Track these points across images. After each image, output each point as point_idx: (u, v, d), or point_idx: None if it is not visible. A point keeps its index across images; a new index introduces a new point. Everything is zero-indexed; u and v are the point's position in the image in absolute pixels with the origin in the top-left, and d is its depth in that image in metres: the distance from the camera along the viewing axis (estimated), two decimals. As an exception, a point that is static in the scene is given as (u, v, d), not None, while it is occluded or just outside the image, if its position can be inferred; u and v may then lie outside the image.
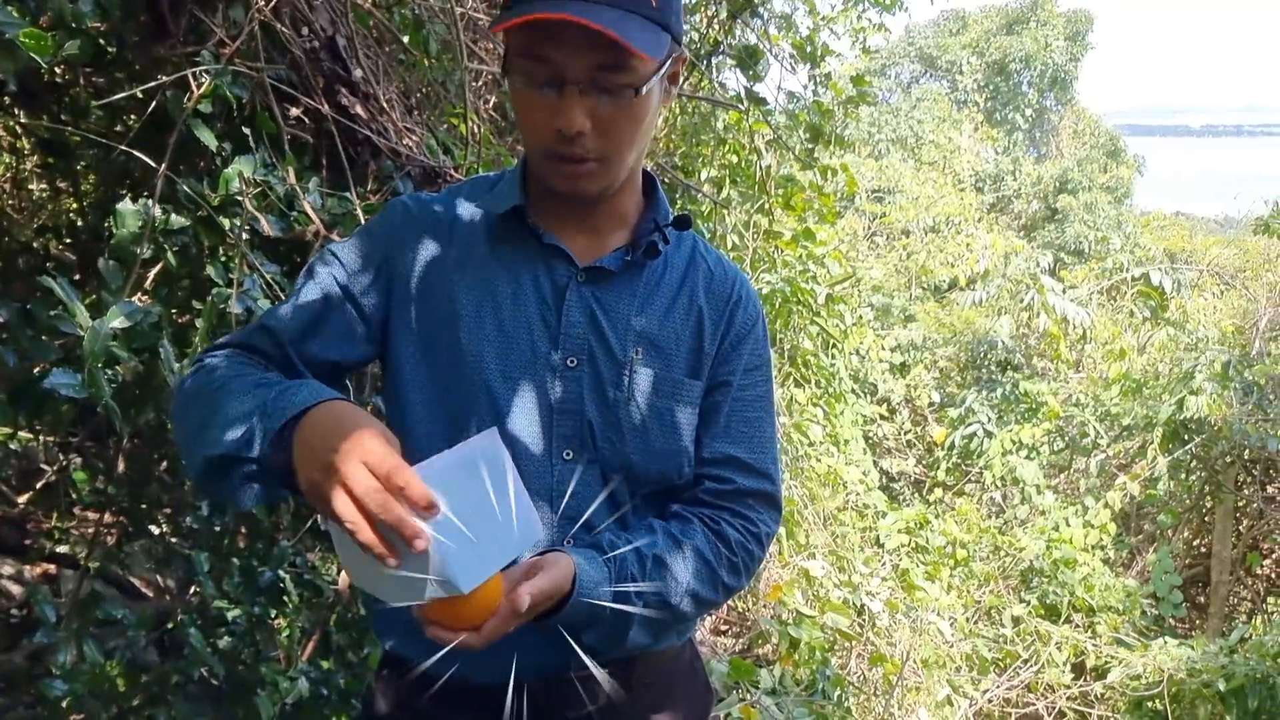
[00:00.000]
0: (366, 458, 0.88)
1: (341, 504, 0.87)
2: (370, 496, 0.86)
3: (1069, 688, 6.16)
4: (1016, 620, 6.46)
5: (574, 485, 1.18)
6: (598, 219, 1.25)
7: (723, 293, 1.29)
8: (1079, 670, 6.45)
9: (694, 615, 1.23)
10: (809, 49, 4.14)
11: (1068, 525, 7.67)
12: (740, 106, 3.74)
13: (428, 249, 1.22)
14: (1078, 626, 6.68)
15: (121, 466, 2.37)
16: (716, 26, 3.46)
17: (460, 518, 0.90)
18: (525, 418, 1.18)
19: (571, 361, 1.19)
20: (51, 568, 2.89)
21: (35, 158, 2.57)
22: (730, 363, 1.27)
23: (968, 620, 6.13)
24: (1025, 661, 6.15)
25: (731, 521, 1.25)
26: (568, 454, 1.19)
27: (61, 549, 2.82)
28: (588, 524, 1.19)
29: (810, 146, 4.40)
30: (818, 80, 4.37)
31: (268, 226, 1.83)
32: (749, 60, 3.36)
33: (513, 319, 1.19)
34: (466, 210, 1.25)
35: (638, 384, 1.21)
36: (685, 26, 3.92)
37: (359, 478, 0.87)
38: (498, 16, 1.10)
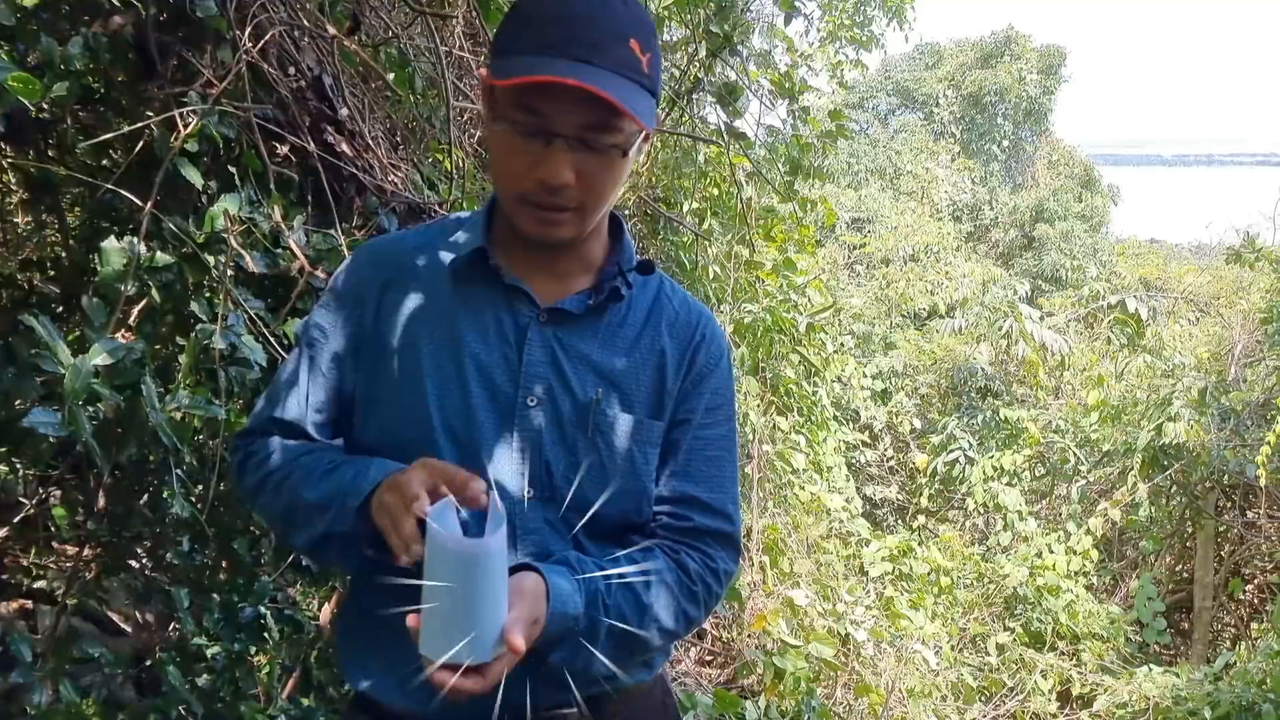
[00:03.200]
0: (428, 470, 1.06)
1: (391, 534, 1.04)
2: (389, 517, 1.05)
3: (1055, 716, 6.16)
4: (1001, 648, 6.47)
5: (533, 524, 1.19)
6: (562, 264, 1.26)
7: (686, 332, 1.29)
8: (1064, 698, 6.46)
9: (656, 643, 1.23)
10: (787, 85, 4.21)
11: (1050, 552, 7.70)
12: (721, 141, 3.79)
13: (391, 296, 1.24)
14: (1062, 654, 6.70)
15: (102, 501, 2.35)
16: (697, 64, 3.52)
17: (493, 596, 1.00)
18: (485, 456, 1.18)
19: (531, 400, 1.20)
20: (28, 604, 2.85)
21: (20, 192, 2.57)
22: (691, 401, 1.28)
23: (953, 648, 6.13)
24: (1011, 690, 6.16)
25: (690, 554, 1.25)
26: (528, 491, 1.19)
27: (39, 584, 2.78)
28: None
29: (790, 179, 4.46)
30: (796, 115, 4.44)
31: (252, 263, 1.84)
32: (729, 97, 3.42)
33: (473, 358, 1.20)
34: (430, 251, 1.27)
35: (598, 424, 1.21)
36: (666, 63, 3.99)
37: (392, 500, 1.05)
38: (493, 69, 1.12)
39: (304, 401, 1.26)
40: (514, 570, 1.10)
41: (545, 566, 1.11)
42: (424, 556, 0.97)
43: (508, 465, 1.19)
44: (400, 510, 1.02)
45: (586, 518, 1.21)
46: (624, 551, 1.22)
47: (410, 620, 0.97)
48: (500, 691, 1.16)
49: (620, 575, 1.17)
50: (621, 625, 1.16)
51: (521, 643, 0.98)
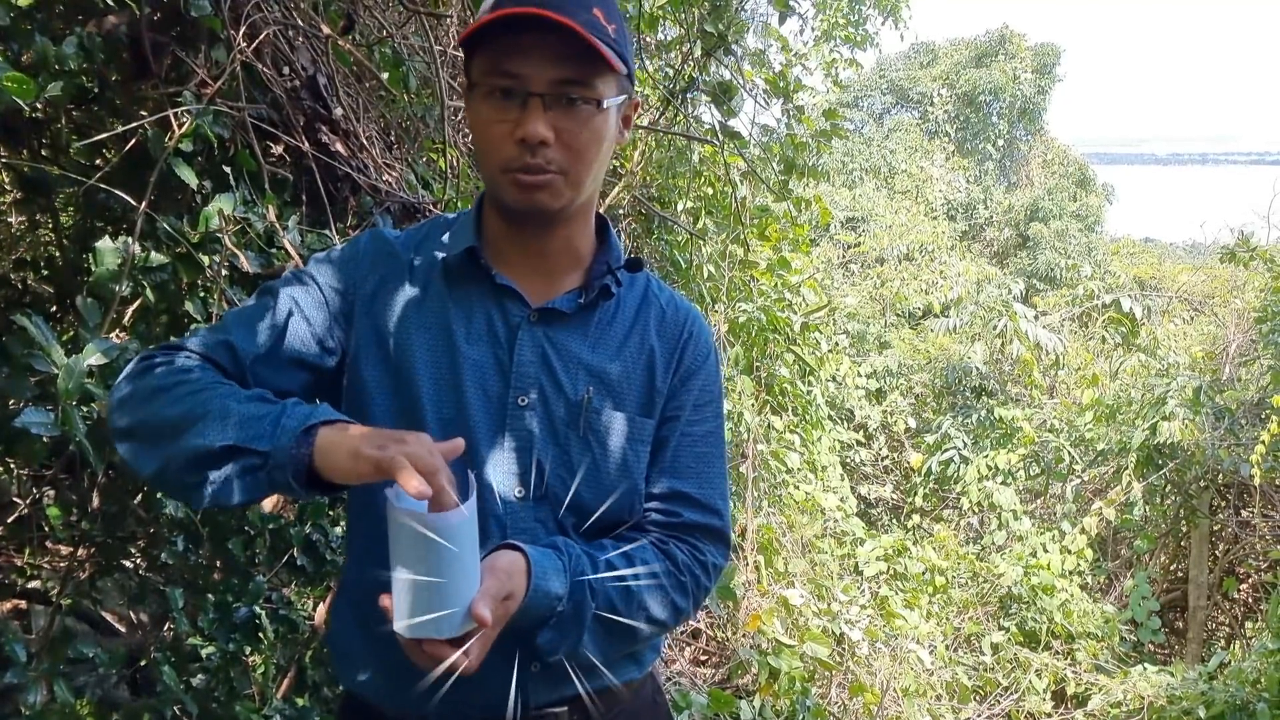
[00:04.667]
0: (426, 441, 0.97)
1: (406, 475, 0.93)
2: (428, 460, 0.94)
3: (1050, 716, 6.17)
4: (996, 647, 6.48)
5: (525, 523, 1.20)
6: (551, 260, 1.26)
7: (674, 331, 1.30)
8: (1059, 697, 6.46)
9: (644, 632, 1.24)
10: (782, 84, 4.21)
11: (1045, 551, 7.71)
12: (715, 141, 3.80)
13: (387, 287, 1.24)
14: (1057, 653, 6.71)
15: (96, 501, 2.35)
16: (691, 64, 3.52)
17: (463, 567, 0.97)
18: (477, 456, 1.18)
19: (522, 400, 1.20)
20: (22, 604, 2.85)
21: (14, 192, 2.57)
22: (679, 398, 1.29)
23: (947, 648, 6.14)
24: (1005, 689, 6.17)
25: (679, 546, 1.26)
26: (519, 491, 1.20)
27: (33, 584, 2.78)
28: None
29: (784, 179, 4.47)
30: (791, 114, 4.44)
31: (246, 263, 1.84)
32: (723, 96, 3.42)
33: (465, 357, 1.20)
34: (424, 252, 1.27)
35: (590, 423, 1.22)
36: (660, 62, 3.99)
37: (421, 449, 0.95)
38: (471, 27, 1.12)
39: (265, 347, 1.17)
40: (496, 549, 1.10)
41: (530, 547, 1.12)
42: (388, 532, 0.96)
43: (500, 465, 1.20)
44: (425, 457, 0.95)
45: (579, 516, 1.22)
46: (611, 543, 1.23)
47: (383, 599, 0.97)
48: (510, 690, 1.17)
49: (608, 562, 1.18)
50: (608, 610, 1.16)
51: (488, 615, 0.97)
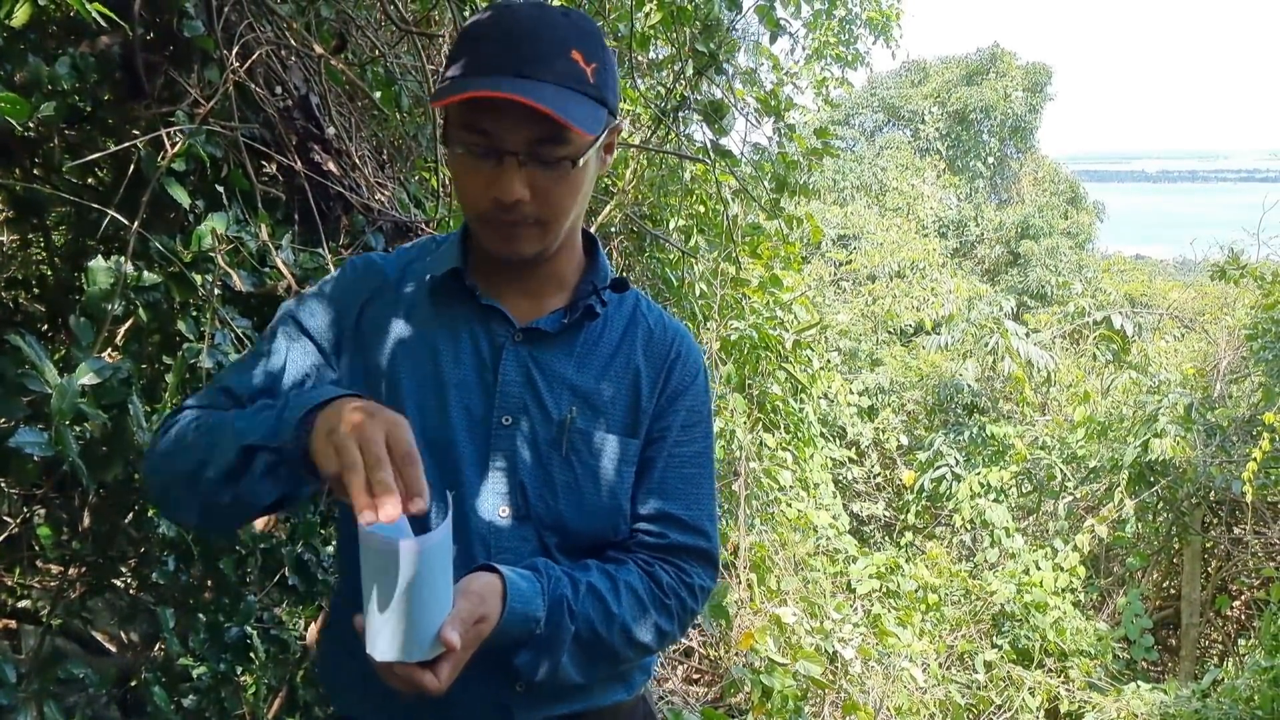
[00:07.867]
0: (391, 430, 0.95)
1: (348, 451, 0.93)
2: (372, 451, 0.93)
3: (1043, 734, 6.16)
4: (989, 665, 6.46)
5: (509, 543, 1.19)
6: (536, 281, 1.26)
7: (661, 350, 1.30)
8: (1053, 716, 6.45)
9: (625, 654, 1.22)
10: (773, 102, 4.24)
11: (1038, 568, 7.70)
12: (707, 159, 3.82)
13: (373, 311, 1.25)
14: (1050, 671, 6.70)
15: (87, 520, 2.34)
16: (683, 82, 3.55)
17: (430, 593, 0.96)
18: (462, 476, 1.18)
19: (506, 420, 1.20)
20: (12, 623, 2.83)
21: (6, 211, 2.57)
22: (666, 418, 1.28)
23: (940, 666, 6.12)
24: (999, 707, 6.15)
25: (665, 568, 1.25)
26: (503, 511, 1.20)
27: (23, 604, 2.77)
28: None
29: (776, 197, 4.49)
30: (782, 132, 4.47)
31: (239, 282, 1.84)
32: (714, 114, 3.45)
33: (450, 378, 1.20)
34: (411, 273, 1.28)
35: (573, 443, 1.22)
36: (652, 81, 4.02)
37: (373, 437, 0.93)
38: (438, 91, 1.13)
39: (263, 385, 1.19)
40: (473, 571, 1.10)
41: (508, 568, 1.11)
42: (359, 552, 0.96)
43: (485, 486, 1.20)
44: (358, 461, 0.92)
45: (562, 537, 1.22)
46: (595, 562, 1.22)
47: (356, 621, 0.97)
48: (496, 712, 1.16)
49: (589, 584, 1.17)
50: (588, 631, 1.16)
51: (456, 639, 0.97)
